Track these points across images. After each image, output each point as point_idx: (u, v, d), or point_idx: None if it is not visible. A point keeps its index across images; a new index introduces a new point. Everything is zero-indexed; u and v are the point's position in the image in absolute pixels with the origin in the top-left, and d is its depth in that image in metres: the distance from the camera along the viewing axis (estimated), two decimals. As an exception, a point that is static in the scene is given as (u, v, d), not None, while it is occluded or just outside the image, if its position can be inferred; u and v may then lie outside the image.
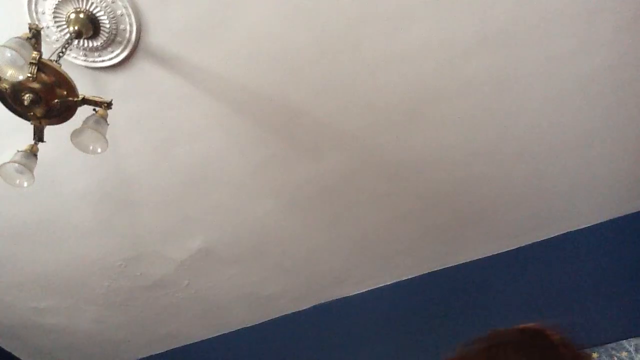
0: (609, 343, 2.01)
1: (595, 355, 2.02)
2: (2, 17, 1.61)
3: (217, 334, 2.86)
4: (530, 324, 0.81)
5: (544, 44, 1.69)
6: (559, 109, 1.87)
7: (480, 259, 2.42)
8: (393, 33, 1.67)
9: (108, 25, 1.62)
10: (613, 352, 2.01)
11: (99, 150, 1.53)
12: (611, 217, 2.26)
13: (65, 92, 1.50)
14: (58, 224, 2.23)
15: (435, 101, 1.85)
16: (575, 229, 2.31)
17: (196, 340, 2.90)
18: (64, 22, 1.61)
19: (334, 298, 2.64)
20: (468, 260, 2.43)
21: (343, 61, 1.73)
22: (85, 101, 1.53)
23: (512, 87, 1.81)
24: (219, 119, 1.88)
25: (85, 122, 1.50)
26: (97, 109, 1.54)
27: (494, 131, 1.94)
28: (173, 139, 1.95)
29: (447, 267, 2.47)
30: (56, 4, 1.58)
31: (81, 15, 1.59)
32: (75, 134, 1.48)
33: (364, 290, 2.61)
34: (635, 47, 1.70)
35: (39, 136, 1.57)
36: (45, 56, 1.46)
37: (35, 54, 1.39)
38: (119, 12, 1.59)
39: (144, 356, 3.00)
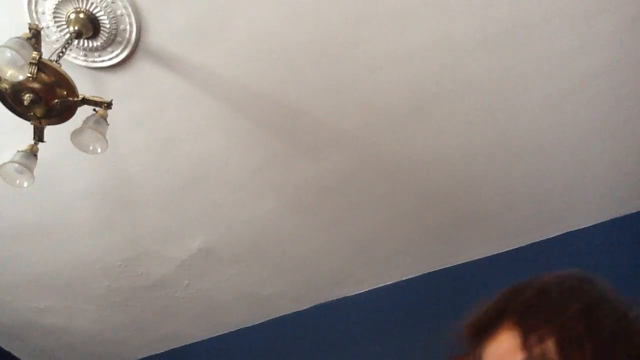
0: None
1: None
2: (2, 17, 1.61)
3: (217, 334, 2.86)
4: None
5: (544, 44, 1.69)
6: (559, 109, 1.87)
7: (480, 259, 2.42)
8: (393, 33, 1.67)
9: (108, 25, 1.62)
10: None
11: (99, 150, 1.53)
12: (611, 217, 2.26)
13: (65, 92, 1.50)
14: (58, 224, 2.23)
15: (435, 101, 1.85)
16: (575, 229, 2.30)
17: (196, 340, 2.90)
18: (64, 22, 1.61)
19: (334, 298, 2.64)
20: (468, 260, 2.43)
21: (343, 61, 1.73)
22: (85, 101, 1.53)
23: (512, 87, 1.80)
24: (219, 119, 1.88)
25: (85, 122, 1.50)
26: (97, 109, 1.54)
27: (494, 131, 1.94)
28: (173, 139, 1.95)
29: (447, 267, 2.47)
30: (56, 4, 1.58)
31: (81, 15, 1.59)
32: (75, 134, 1.48)
33: (364, 290, 2.60)
34: (635, 47, 1.70)
35: (39, 136, 1.57)
36: (45, 56, 1.46)
37: (35, 54, 1.39)
38: (119, 12, 1.59)
39: (144, 356, 3.00)
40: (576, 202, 2.20)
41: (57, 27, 1.62)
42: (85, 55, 1.70)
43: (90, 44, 1.66)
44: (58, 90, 1.49)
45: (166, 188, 2.11)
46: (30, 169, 1.52)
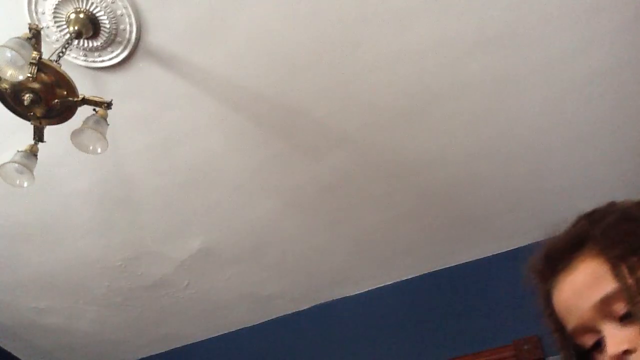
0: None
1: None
2: (2, 17, 1.61)
3: (217, 334, 2.86)
4: None
5: (544, 44, 1.69)
6: (559, 109, 1.87)
7: (480, 259, 2.41)
8: (393, 33, 1.67)
9: (108, 25, 1.62)
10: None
11: (99, 150, 1.54)
12: (611, 217, 2.26)
13: (65, 92, 1.50)
14: (58, 224, 2.23)
15: (435, 101, 1.85)
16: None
17: (196, 340, 2.90)
18: (64, 22, 1.61)
19: (334, 298, 2.64)
20: (468, 260, 2.43)
21: (343, 61, 1.73)
22: (85, 101, 1.53)
23: (512, 87, 1.80)
24: (219, 119, 1.88)
25: (85, 122, 1.50)
26: (97, 109, 1.54)
27: (494, 131, 1.94)
28: (173, 139, 1.95)
29: (447, 267, 2.47)
30: (56, 4, 1.58)
31: (81, 16, 1.59)
32: (75, 134, 1.48)
33: (364, 290, 2.60)
34: (635, 47, 1.70)
35: (39, 136, 1.57)
36: (45, 56, 1.46)
37: (35, 54, 1.39)
38: (119, 12, 1.59)
39: (144, 356, 3.00)
40: (576, 202, 2.20)
41: (57, 27, 1.62)
42: (85, 55, 1.70)
43: (90, 44, 1.66)
44: (58, 90, 1.49)
45: (166, 188, 2.11)
46: (30, 169, 1.52)
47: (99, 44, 1.66)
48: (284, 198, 2.16)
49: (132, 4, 1.58)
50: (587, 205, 0.74)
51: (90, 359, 3.01)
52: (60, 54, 1.53)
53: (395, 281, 2.55)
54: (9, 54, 1.32)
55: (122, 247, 2.35)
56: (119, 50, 1.68)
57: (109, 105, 1.55)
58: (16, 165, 1.51)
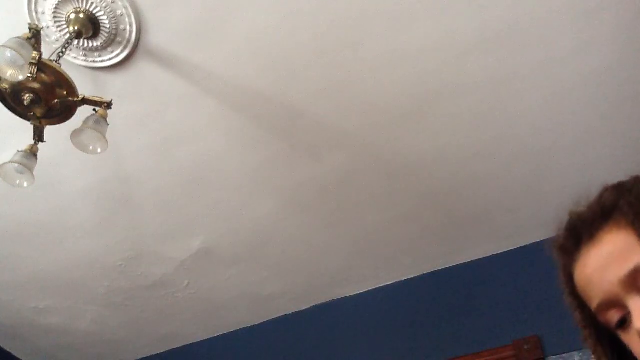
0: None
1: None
2: (2, 17, 1.61)
3: (217, 334, 2.86)
4: None
5: (544, 44, 1.69)
6: (559, 109, 1.87)
7: (480, 259, 2.41)
8: (393, 33, 1.67)
9: (108, 26, 1.62)
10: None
11: (99, 150, 1.54)
12: (611, 217, 2.26)
13: (65, 92, 1.50)
14: (58, 224, 2.23)
15: (435, 101, 1.85)
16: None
17: (196, 340, 2.90)
18: (64, 22, 1.61)
19: (334, 298, 2.64)
20: (468, 260, 2.43)
21: (343, 61, 1.73)
22: (85, 101, 1.53)
23: (512, 87, 1.80)
24: (219, 119, 1.88)
25: (85, 122, 1.50)
26: (97, 109, 1.54)
27: (494, 131, 1.94)
28: (173, 139, 1.95)
29: (447, 267, 2.47)
30: (56, 4, 1.58)
31: (81, 16, 1.59)
32: (75, 134, 1.48)
33: (364, 290, 2.60)
34: (635, 47, 1.70)
35: (39, 136, 1.57)
36: (45, 56, 1.46)
37: (35, 54, 1.39)
38: (119, 12, 1.59)
39: (144, 356, 3.00)
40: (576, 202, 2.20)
41: (57, 27, 1.62)
42: (85, 55, 1.70)
43: (90, 44, 1.66)
44: (58, 90, 1.49)
45: (166, 188, 2.11)
46: (30, 169, 1.52)
47: (99, 44, 1.66)
48: (284, 198, 2.16)
49: (132, 4, 1.58)
50: (587, 205, 0.73)
51: (90, 359, 3.01)
52: (60, 54, 1.53)
53: (395, 281, 2.55)
54: (9, 54, 1.32)
55: (122, 247, 2.35)
56: (119, 51, 1.68)
57: (109, 105, 1.55)
58: (16, 165, 1.51)
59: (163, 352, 2.96)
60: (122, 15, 1.60)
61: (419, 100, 1.84)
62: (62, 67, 1.49)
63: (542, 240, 2.34)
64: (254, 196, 2.15)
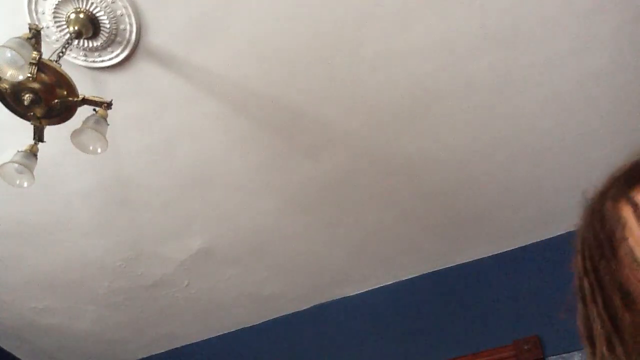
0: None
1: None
2: (2, 17, 1.61)
3: (217, 334, 2.86)
4: None
5: (544, 44, 1.69)
6: (559, 109, 1.87)
7: (480, 259, 2.41)
8: (393, 33, 1.67)
9: (108, 26, 1.62)
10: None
11: (99, 150, 1.54)
12: (611, 217, 2.26)
13: (65, 92, 1.50)
14: (58, 224, 2.23)
15: (436, 101, 1.85)
16: (575, 229, 2.30)
17: (196, 340, 2.90)
18: (64, 22, 1.61)
19: (334, 298, 2.64)
20: (468, 260, 2.43)
21: (343, 61, 1.73)
22: (85, 101, 1.53)
23: (512, 87, 1.80)
24: (219, 119, 1.88)
25: (85, 122, 1.50)
26: (97, 109, 1.54)
27: (494, 131, 1.94)
28: (173, 139, 1.95)
29: (447, 267, 2.47)
30: (56, 4, 1.58)
31: (81, 15, 1.59)
32: (75, 134, 1.48)
33: (364, 290, 2.60)
34: (635, 48, 1.70)
35: (39, 136, 1.57)
36: (45, 56, 1.46)
37: (35, 54, 1.39)
38: (119, 12, 1.59)
39: (144, 356, 3.00)
40: (576, 202, 2.20)
41: (57, 27, 1.62)
42: (85, 55, 1.70)
43: (90, 44, 1.66)
44: (58, 90, 1.49)
45: (166, 188, 2.11)
46: (30, 169, 1.52)
47: (99, 44, 1.66)
48: (284, 198, 2.16)
49: (132, 4, 1.58)
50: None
51: (90, 359, 3.01)
52: (60, 54, 1.53)
53: (395, 281, 2.55)
54: (9, 54, 1.32)
55: (122, 247, 2.35)
56: (119, 51, 1.68)
57: (109, 105, 1.55)
58: (16, 165, 1.51)
59: (163, 352, 2.96)
60: (122, 15, 1.60)
61: (419, 100, 1.84)
62: (62, 67, 1.49)
63: (542, 240, 2.34)
64: (254, 196, 2.15)
